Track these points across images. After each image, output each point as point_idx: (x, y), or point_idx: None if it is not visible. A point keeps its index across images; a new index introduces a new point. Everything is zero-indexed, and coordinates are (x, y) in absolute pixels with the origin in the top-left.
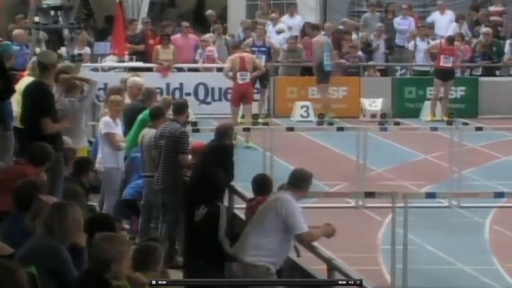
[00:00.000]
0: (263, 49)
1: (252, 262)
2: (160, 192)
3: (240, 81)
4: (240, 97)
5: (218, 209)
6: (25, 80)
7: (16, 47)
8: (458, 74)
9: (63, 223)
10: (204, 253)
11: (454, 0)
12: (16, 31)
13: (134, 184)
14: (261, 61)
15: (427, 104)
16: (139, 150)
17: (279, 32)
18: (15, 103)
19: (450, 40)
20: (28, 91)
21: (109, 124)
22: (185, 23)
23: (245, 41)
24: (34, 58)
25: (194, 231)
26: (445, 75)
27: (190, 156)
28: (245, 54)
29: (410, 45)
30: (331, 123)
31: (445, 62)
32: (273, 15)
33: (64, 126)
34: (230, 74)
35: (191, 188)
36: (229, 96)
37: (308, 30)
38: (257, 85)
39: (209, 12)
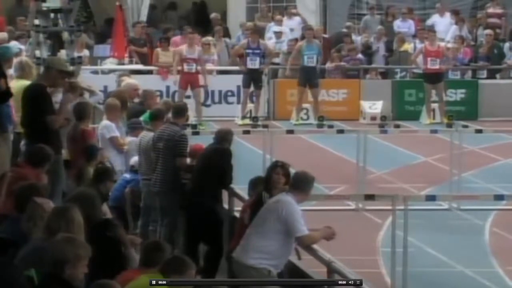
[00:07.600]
0: (258, 51)
1: (254, 264)
2: (158, 195)
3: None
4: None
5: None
6: (19, 83)
7: (16, 49)
8: (458, 76)
9: (69, 228)
10: None
11: (454, 2)
12: None
13: (119, 185)
14: (255, 63)
15: None
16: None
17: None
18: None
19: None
20: (28, 94)
21: (111, 127)
22: (188, 28)
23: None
24: (21, 58)
25: None
26: (434, 78)
27: (188, 159)
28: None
29: (410, 48)
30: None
31: (432, 65)
32: (278, 16)
33: (63, 119)
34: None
35: (192, 190)
36: (229, 99)
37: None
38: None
39: (214, 15)
